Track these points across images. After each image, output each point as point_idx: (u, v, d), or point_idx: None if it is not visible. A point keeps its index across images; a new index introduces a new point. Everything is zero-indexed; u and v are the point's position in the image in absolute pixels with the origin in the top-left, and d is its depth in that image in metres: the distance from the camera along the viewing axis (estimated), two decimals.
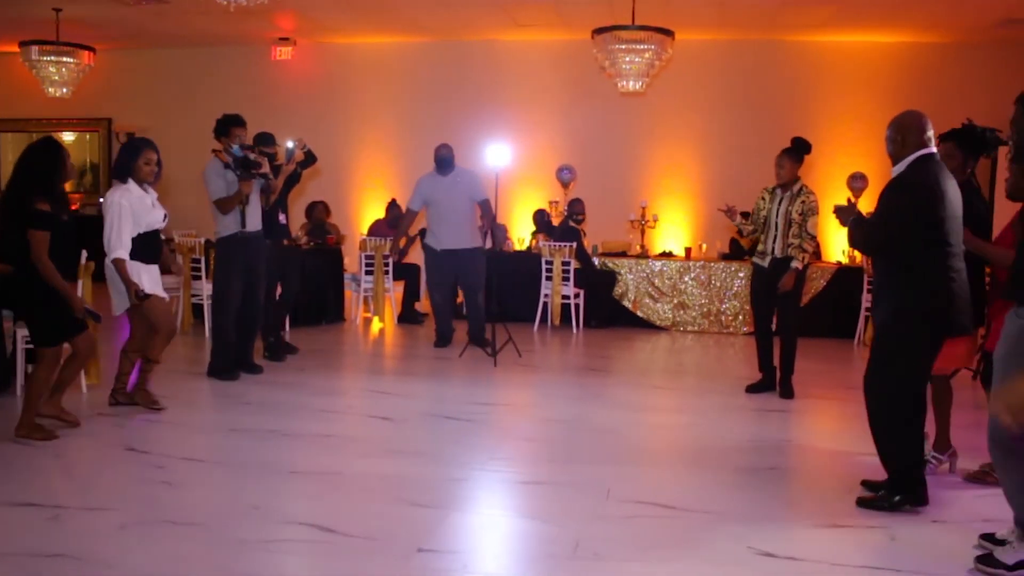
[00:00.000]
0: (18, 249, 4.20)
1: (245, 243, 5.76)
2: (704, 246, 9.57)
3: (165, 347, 4.99)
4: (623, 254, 9.15)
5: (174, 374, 6.05)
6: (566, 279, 8.45)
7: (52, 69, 9.55)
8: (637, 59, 7.70)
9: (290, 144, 6.31)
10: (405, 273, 9.02)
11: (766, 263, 5.74)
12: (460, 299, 8.31)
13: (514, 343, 7.08)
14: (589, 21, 8.16)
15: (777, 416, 5.35)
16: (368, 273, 8.74)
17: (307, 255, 8.35)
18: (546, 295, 8.57)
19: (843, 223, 3.82)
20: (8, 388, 5.24)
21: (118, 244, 4.69)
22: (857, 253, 8.17)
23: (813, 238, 5.67)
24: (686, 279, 8.76)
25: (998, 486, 3.26)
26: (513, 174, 9.91)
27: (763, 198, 5.80)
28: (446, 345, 7.41)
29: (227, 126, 5.79)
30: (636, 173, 10.56)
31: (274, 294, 6.75)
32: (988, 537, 3.18)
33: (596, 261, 8.88)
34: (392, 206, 9.33)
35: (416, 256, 9.09)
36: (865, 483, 3.86)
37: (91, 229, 5.27)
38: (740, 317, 8.63)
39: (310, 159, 6.52)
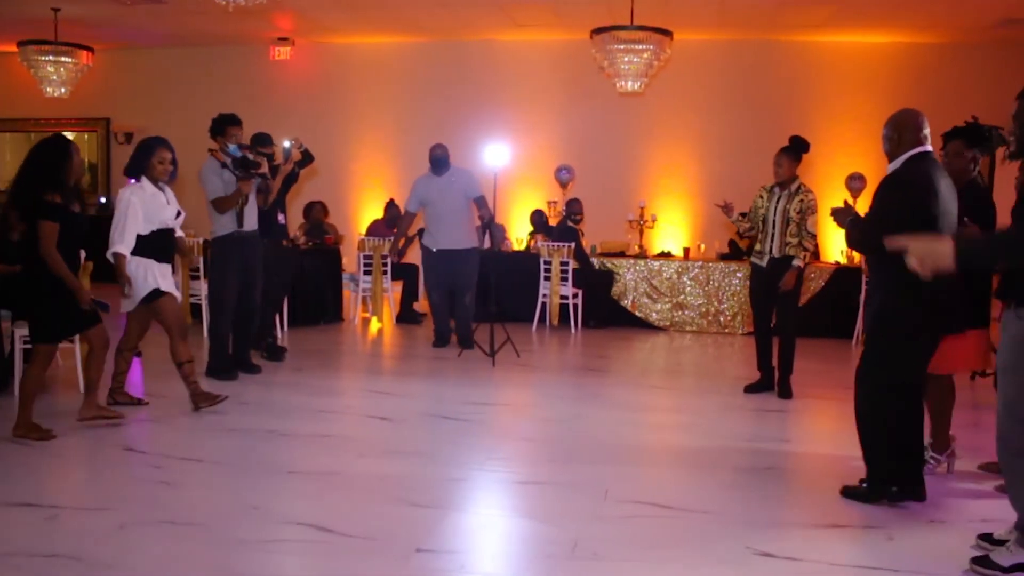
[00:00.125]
0: (28, 247, 4.22)
1: (241, 243, 5.76)
2: (703, 246, 9.58)
3: (184, 344, 4.97)
4: (621, 254, 9.15)
5: (172, 374, 6.04)
6: (564, 279, 8.45)
7: (50, 69, 9.55)
8: (636, 59, 7.70)
9: (287, 144, 6.31)
10: (403, 273, 9.02)
11: (764, 263, 5.74)
12: None
13: (512, 343, 7.07)
14: (588, 21, 8.16)
15: (776, 416, 5.36)
16: (366, 273, 8.74)
17: (305, 255, 8.35)
18: (544, 295, 8.57)
19: (840, 224, 3.82)
20: (6, 388, 5.23)
21: (119, 239, 4.71)
22: (855, 253, 8.18)
23: (813, 237, 5.68)
24: (684, 279, 8.76)
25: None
26: (512, 174, 9.91)
27: (761, 196, 5.80)
28: (445, 345, 7.41)
29: (223, 125, 5.79)
30: (635, 173, 10.56)
31: (273, 294, 6.73)
32: (986, 537, 3.18)
33: (595, 261, 8.88)
34: (390, 206, 9.33)
35: (414, 256, 9.08)
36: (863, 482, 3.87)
37: (91, 228, 5.26)
38: (738, 317, 8.63)
39: (307, 159, 6.52)
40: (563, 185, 9.81)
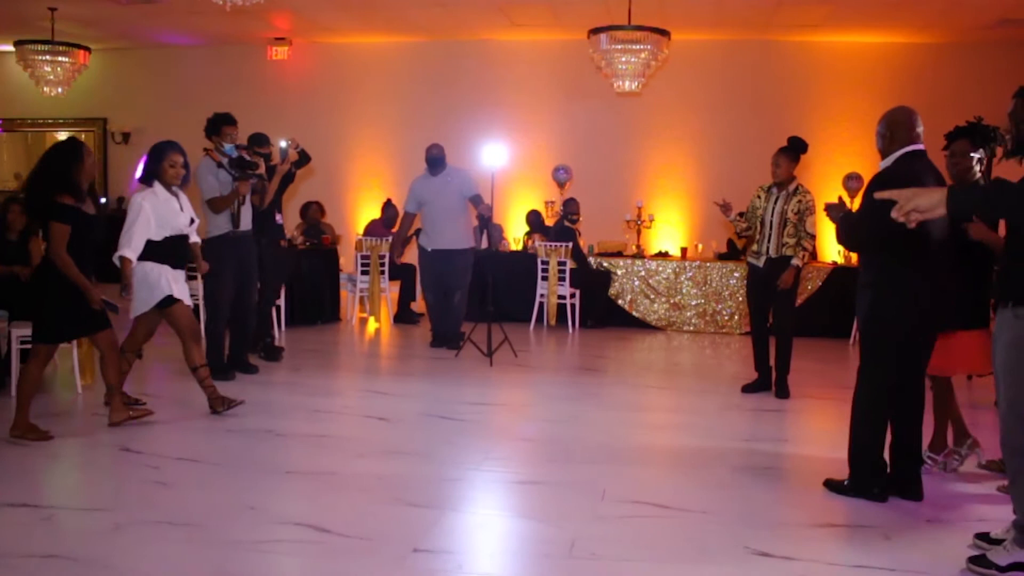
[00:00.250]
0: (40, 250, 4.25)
1: (236, 243, 5.75)
2: (700, 246, 9.58)
3: (198, 348, 4.95)
4: (619, 254, 9.16)
5: (169, 374, 6.04)
6: (562, 279, 8.45)
7: (47, 68, 9.53)
8: (633, 59, 7.71)
9: (283, 144, 6.30)
10: (401, 273, 9.01)
11: (761, 263, 5.74)
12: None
13: (510, 343, 7.07)
14: (585, 21, 8.17)
15: (773, 416, 5.36)
16: (364, 273, 8.73)
17: (303, 255, 8.34)
18: (542, 295, 8.57)
19: (833, 220, 3.84)
20: (4, 389, 5.22)
21: (126, 243, 4.67)
22: (853, 254, 8.18)
23: (813, 237, 5.68)
24: (682, 279, 8.76)
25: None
26: (509, 174, 9.91)
27: (759, 196, 5.80)
28: (442, 345, 7.40)
29: (218, 125, 5.78)
30: (632, 173, 10.57)
31: (273, 295, 6.72)
32: (983, 536, 3.18)
33: (592, 261, 8.88)
34: (388, 206, 9.33)
35: (412, 256, 9.07)
36: None
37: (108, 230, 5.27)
38: (736, 317, 8.64)
39: (304, 159, 6.51)
40: (560, 185, 9.81)
